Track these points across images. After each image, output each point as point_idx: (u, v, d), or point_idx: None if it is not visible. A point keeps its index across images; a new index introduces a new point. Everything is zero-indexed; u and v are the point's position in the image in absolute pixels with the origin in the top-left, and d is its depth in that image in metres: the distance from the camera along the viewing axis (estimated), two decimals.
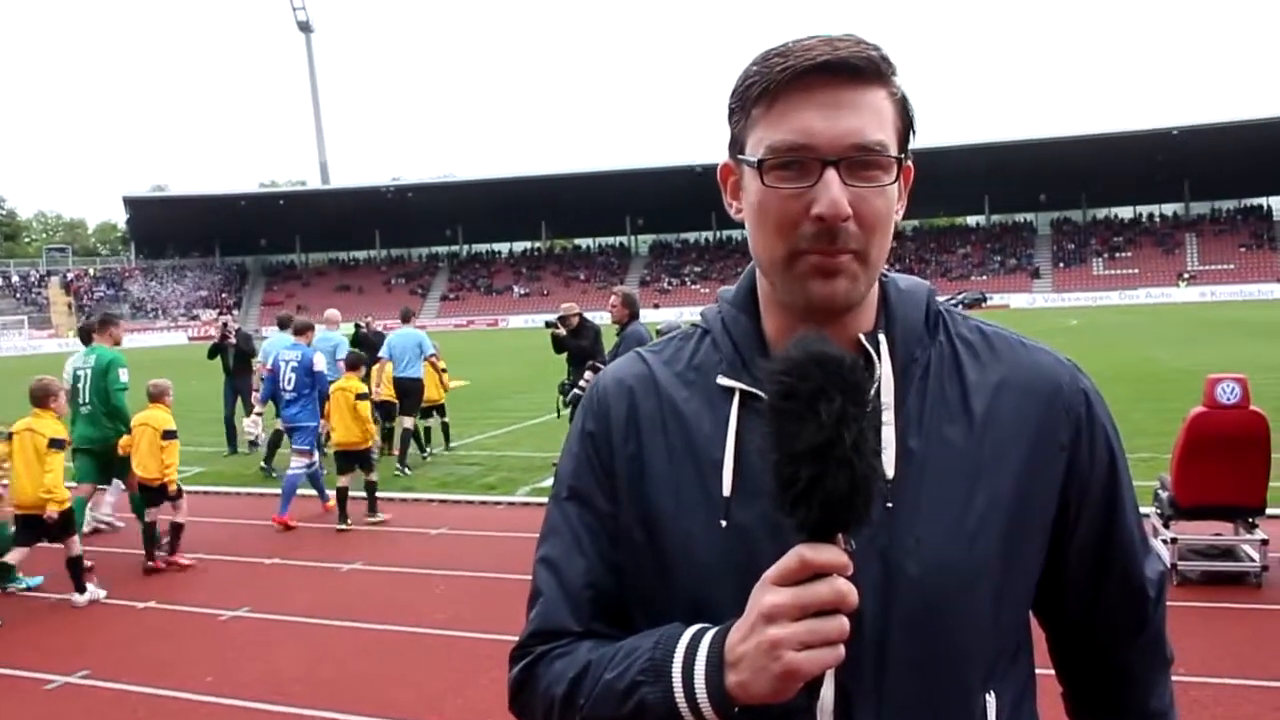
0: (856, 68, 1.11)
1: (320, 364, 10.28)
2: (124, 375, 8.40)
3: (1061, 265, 71.73)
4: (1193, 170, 68.20)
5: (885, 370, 1.18)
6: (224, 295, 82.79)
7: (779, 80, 1.12)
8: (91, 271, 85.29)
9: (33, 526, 7.11)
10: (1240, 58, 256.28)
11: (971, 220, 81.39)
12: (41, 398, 7.31)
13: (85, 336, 9.24)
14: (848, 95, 1.12)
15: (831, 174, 1.10)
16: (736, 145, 1.20)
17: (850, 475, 0.96)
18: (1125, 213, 76.78)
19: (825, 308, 1.14)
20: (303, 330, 10.99)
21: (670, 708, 1.05)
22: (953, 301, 56.37)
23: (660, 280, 77.08)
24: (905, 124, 1.18)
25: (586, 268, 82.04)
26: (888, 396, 1.17)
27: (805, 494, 0.96)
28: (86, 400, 8.35)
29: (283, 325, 11.79)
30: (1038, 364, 1.24)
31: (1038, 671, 1.27)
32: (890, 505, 1.12)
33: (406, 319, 13.05)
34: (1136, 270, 68.43)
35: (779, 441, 0.98)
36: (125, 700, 5.37)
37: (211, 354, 14.19)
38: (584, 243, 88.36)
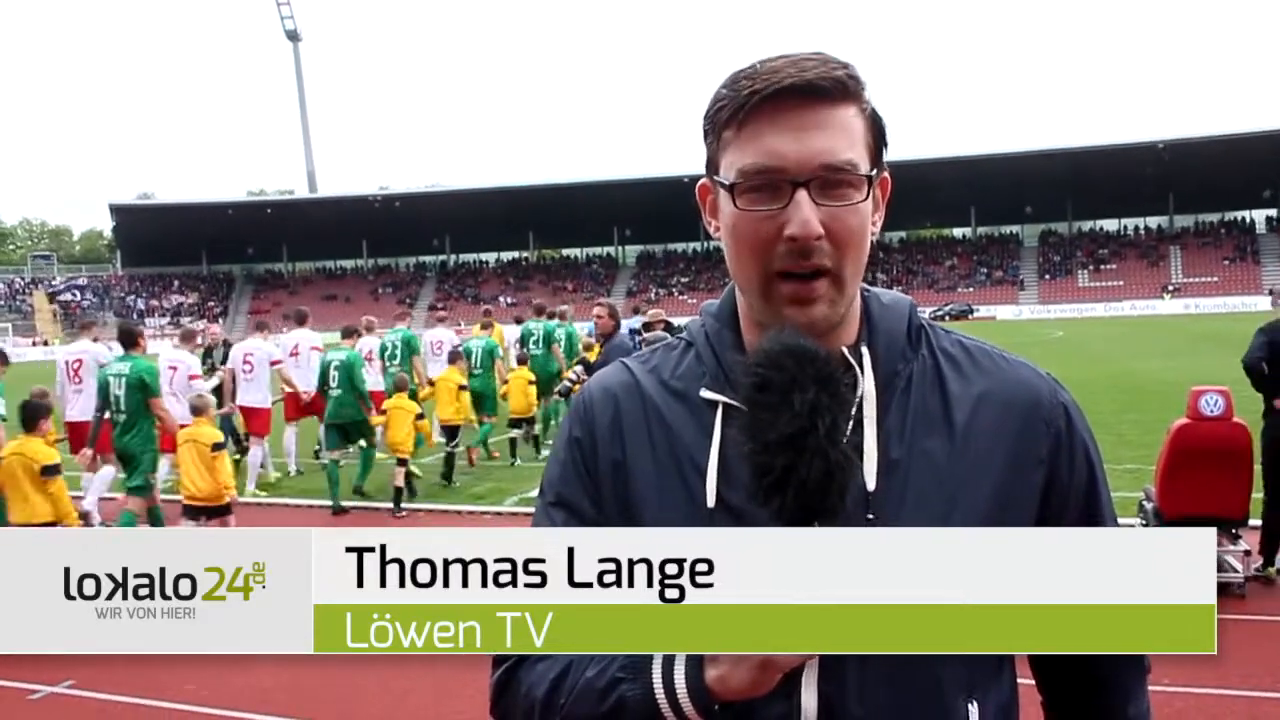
0: (822, 88, 1.13)
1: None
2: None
3: (1047, 277, 72.08)
4: (1177, 184, 68.61)
5: (868, 383, 1.20)
6: (210, 304, 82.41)
7: (746, 104, 1.14)
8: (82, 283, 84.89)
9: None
10: (1226, 72, 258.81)
11: (958, 232, 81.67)
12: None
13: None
14: (815, 116, 1.14)
15: (802, 194, 1.12)
16: (711, 166, 1.23)
17: (824, 464, 0.99)
18: (1110, 225, 77.14)
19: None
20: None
21: (650, 704, 1.06)
22: (938, 313, 56.83)
23: (647, 290, 77.02)
24: (877, 139, 1.19)
25: (574, 278, 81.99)
26: (870, 409, 1.18)
27: (779, 482, 0.99)
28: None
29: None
30: (1018, 378, 1.26)
31: (1020, 682, 1.29)
32: (872, 516, 1.13)
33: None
34: (1121, 282, 68.81)
35: (754, 431, 1.01)
36: (110, 711, 5.35)
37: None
38: (571, 253, 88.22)
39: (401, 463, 10.23)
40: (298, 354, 12.41)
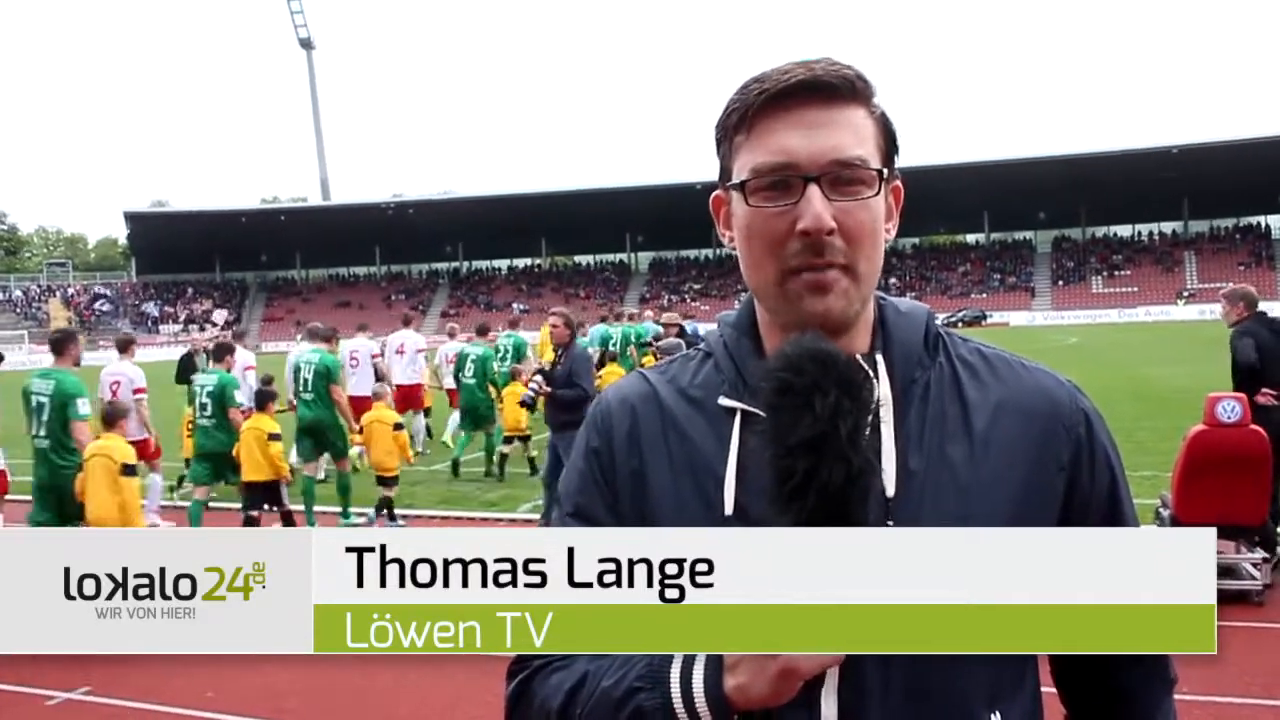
0: (832, 86, 1.14)
1: None
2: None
3: (1061, 283, 71.71)
4: (1192, 188, 68.21)
5: (884, 389, 1.19)
6: (224, 310, 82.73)
7: (757, 105, 1.15)
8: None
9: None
10: (1241, 77, 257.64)
11: (971, 238, 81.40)
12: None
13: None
14: (825, 114, 1.14)
15: (813, 189, 1.12)
16: (724, 174, 1.23)
17: (846, 468, 0.98)
18: (1124, 231, 76.70)
19: (819, 325, 1.14)
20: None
21: (668, 714, 1.05)
22: (952, 319, 56.66)
23: (660, 297, 77.05)
24: (887, 141, 1.20)
25: (586, 284, 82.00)
26: (888, 415, 1.18)
27: (801, 487, 0.99)
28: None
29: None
30: (1038, 385, 1.25)
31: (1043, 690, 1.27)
32: (891, 523, 1.12)
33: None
34: (1136, 288, 68.39)
35: (775, 435, 1.01)
36: (126, 717, 5.36)
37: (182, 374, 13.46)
38: (584, 259, 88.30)
39: (508, 440, 12.22)
40: (403, 351, 14.27)
